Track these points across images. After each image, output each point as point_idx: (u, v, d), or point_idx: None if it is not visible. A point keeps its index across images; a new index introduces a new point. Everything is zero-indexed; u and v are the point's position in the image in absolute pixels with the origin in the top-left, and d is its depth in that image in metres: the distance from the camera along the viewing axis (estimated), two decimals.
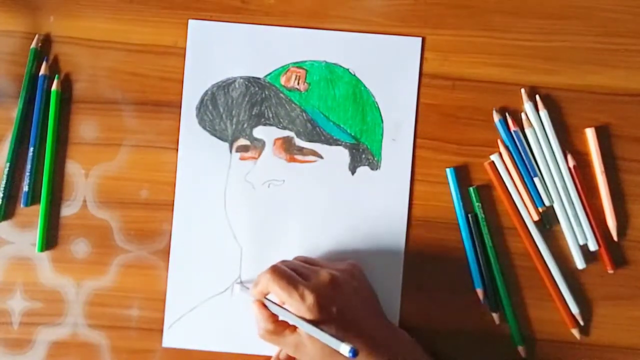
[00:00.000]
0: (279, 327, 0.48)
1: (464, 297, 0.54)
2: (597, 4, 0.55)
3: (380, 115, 0.55)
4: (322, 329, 0.45)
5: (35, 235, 0.54)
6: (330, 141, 0.55)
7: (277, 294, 0.46)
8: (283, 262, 0.50)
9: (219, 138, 0.55)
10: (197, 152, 0.55)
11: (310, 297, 0.45)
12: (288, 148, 0.55)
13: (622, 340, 0.54)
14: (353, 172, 0.55)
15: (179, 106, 0.55)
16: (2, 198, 0.54)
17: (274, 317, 0.48)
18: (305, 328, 0.45)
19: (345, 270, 0.49)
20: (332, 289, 0.47)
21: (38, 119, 0.54)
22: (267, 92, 0.55)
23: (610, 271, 0.54)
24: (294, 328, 0.47)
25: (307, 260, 0.51)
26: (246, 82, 0.55)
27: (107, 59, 0.55)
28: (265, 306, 0.49)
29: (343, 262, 0.51)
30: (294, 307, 0.46)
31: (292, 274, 0.47)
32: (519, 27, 0.55)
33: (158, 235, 0.54)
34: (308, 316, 0.45)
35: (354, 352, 0.42)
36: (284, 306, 0.47)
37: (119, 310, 0.54)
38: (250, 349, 0.54)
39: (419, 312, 0.54)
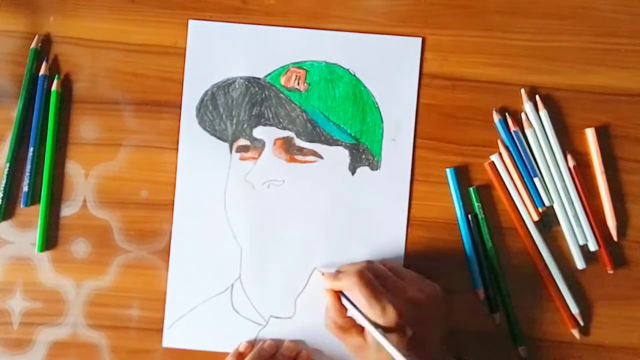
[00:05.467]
0: (348, 323, 0.48)
1: (464, 297, 0.54)
2: (597, 4, 0.55)
3: (380, 115, 0.55)
4: (393, 344, 0.44)
5: (35, 235, 0.54)
6: (330, 141, 0.55)
7: (359, 300, 0.46)
8: (369, 264, 0.50)
9: (219, 138, 0.55)
10: (197, 152, 0.55)
11: (391, 314, 0.45)
12: (288, 148, 0.55)
13: (622, 340, 0.54)
14: (353, 173, 0.55)
15: (179, 106, 0.55)
16: (2, 198, 0.54)
17: (344, 312, 0.48)
18: (378, 337, 0.45)
19: (430, 295, 0.49)
20: (414, 311, 0.46)
21: (38, 119, 0.54)
22: (267, 93, 0.55)
23: (610, 271, 0.54)
24: (361, 329, 0.47)
25: (393, 269, 0.51)
26: (246, 83, 0.55)
27: (107, 59, 0.55)
28: (339, 299, 0.49)
29: (429, 284, 0.50)
30: (371, 316, 0.46)
31: (377, 285, 0.47)
32: (519, 27, 0.55)
33: (158, 235, 0.54)
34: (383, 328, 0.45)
35: None
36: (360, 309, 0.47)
37: (119, 310, 0.54)
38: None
39: None
